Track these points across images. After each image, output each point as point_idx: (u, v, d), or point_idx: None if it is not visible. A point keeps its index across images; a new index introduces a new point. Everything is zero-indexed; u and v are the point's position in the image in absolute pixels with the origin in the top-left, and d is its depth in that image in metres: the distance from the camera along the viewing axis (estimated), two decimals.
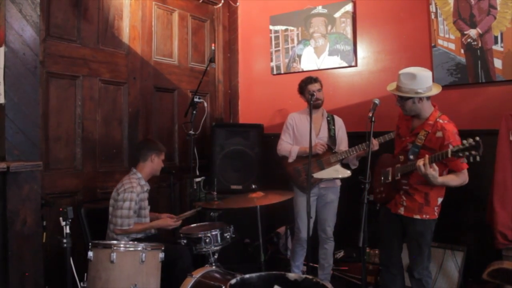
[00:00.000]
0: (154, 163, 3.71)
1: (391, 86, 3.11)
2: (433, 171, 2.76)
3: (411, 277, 3.14)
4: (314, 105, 3.92)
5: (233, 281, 2.48)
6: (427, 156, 2.79)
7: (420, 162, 2.79)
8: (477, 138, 2.57)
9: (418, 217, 3.03)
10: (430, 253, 3.12)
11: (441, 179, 2.85)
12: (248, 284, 2.52)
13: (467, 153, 2.61)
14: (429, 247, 3.10)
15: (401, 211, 3.08)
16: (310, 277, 2.58)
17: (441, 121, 2.98)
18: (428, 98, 3.03)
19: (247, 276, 2.57)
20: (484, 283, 3.59)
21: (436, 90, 3.03)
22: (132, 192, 3.47)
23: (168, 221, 3.66)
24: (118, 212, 3.44)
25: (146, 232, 3.62)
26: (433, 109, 3.05)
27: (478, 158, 2.59)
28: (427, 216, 3.03)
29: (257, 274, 2.59)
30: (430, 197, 3.03)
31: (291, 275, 2.58)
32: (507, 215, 3.29)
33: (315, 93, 3.95)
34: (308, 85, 4.03)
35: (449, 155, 2.69)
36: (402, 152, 3.11)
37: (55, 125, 3.79)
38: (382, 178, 3.24)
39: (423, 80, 2.96)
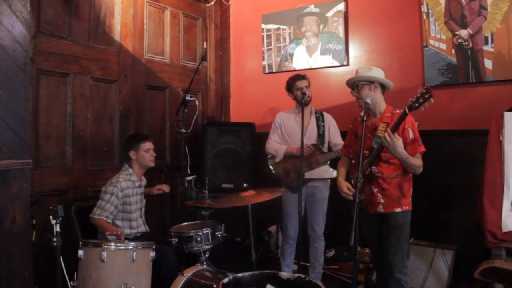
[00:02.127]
0: (135, 159, 3.67)
1: (349, 81, 3.21)
2: (398, 141, 2.82)
3: (389, 278, 3.07)
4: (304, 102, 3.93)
5: (225, 280, 2.48)
6: (388, 129, 2.84)
7: (385, 134, 2.82)
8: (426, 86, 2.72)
9: (399, 209, 3.03)
10: (409, 249, 3.12)
11: (405, 153, 2.88)
12: (240, 283, 2.51)
13: (421, 100, 2.70)
14: (408, 243, 3.11)
15: (380, 209, 3.07)
16: (303, 276, 2.57)
17: (398, 111, 3.07)
18: (382, 92, 3.13)
19: (239, 275, 2.56)
20: (474, 282, 3.62)
21: (390, 84, 3.15)
22: (115, 187, 3.48)
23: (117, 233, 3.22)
24: (97, 202, 3.46)
25: (134, 232, 3.63)
26: (386, 105, 3.15)
27: (432, 100, 2.68)
28: (407, 208, 3.05)
29: (250, 273, 2.59)
30: (405, 189, 3.06)
31: (284, 274, 2.57)
32: (496, 214, 3.30)
33: (303, 89, 3.95)
34: (296, 81, 4.03)
35: (408, 112, 2.76)
36: (367, 149, 3.10)
37: (45, 123, 3.76)
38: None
39: (378, 73, 3.13)
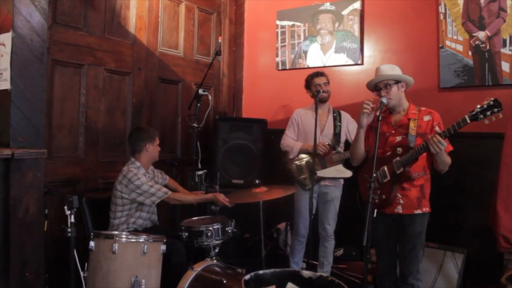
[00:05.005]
0: (149, 151, 3.65)
1: (372, 81, 3.10)
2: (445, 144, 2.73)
3: (402, 283, 3.06)
4: (320, 98, 3.92)
5: (247, 276, 2.47)
6: (436, 135, 2.72)
7: (435, 139, 2.71)
8: (494, 98, 2.54)
9: (419, 211, 2.98)
10: (423, 255, 3.08)
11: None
12: (262, 280, 2.51)
13: (488, 113, 2.54)
14: (424, 249, 3.07)
15: (399, 209, 3.01)
16: (325, 275, 2.59)
17: (423, 108, 3.07)
18: (405, 89, 3.11)
19: (261, 272, 2.56)
20: (484, 286, 3.61)
21: (412, 81, 3.13)
22: (139, 178, 3.44)
23: (219, 196, 3.56)
24: (141, 198, 3.45)
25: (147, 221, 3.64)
26: (408, 103, 3.11)
27: (500, 115, 2.52)
28: (426, 209, 3.00)
29: (271, 270, 2.58)
30: (425, 189, 3.02)
31: (306, 273, 2.57)
32: (510, 219, 3.27)
33: (321, 86, 3.96)
34: (314, 78, 4.04)
35: (468, 121, 2.63)
36: (394, 147, 3.04)
37: (59, 113, 3.77)
38: (380, 178, 3.05)
39: (400, 72, 3.09)
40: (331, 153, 3.95)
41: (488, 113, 2.57)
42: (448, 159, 2.89)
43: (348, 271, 4.31)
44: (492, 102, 2.57)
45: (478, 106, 2.62)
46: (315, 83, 4.01)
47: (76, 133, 3.91)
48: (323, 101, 4.03)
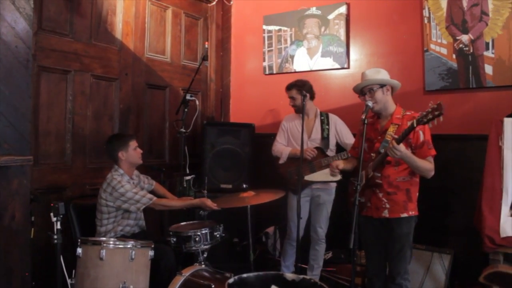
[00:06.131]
0: (125, 158, 3.57)
1: (357, 86, 3.14)
2: (401, 152, 2.76)
3: (391, 283, 3.08)
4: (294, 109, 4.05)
5: (231, 280, 2.48)
6: (392, 141, 2.79)
7: (390, 145, 2.77)
8: (438, 102, 2.62)
9: (405, 215, 2.99)
10: (411, 255, 3.11)
11: (412, 157, 2.87)
12: (245, 284, 2.52)
13: (430, 116, 2.62)
14: (411, 250, 3.09)
15: (385, 214, 3.03)
16: (308, 277, 2.59)
17: (409, 113, 3.06)
18: (391, 93, 3.12)
19: (244, 275, 2.57)
20: (471, 286, 3.64)
21: (399, 85, 3.15)
22: (123, 186, 3.42)
23: (207, 202, 3.58)
24: (126, 205, 3.43)
25: (136, 227, 3.63)
26: (395, 106, 3.12)
27: (441, 118, 2.59)
28: (412, 213, 3.02)
29: (255, 273, 2.59)
30: (412, 193, 3.03)
31: (289, 275, 2.58)
32: (495, 220, 3.32)
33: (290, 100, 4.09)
34: (287, 91, 4.13)
35: (415, 125, 2.71)
36: (374, 152, 3.09)
37: (45, 120, 3.75)
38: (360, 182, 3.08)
39: (385, 75, 3.11)
40: (319, 157, 3.96)
41: (430, 116, 2.62)
42: (421, 165, 2.90)
43: (337, 274, 4.33)
44: (435, 106, 2.61)
45: (425, 111, 2.66)
46: (288, 95, 4.12)
47: (63, 140, 3.89)
48: (297, 111, 4.08)
